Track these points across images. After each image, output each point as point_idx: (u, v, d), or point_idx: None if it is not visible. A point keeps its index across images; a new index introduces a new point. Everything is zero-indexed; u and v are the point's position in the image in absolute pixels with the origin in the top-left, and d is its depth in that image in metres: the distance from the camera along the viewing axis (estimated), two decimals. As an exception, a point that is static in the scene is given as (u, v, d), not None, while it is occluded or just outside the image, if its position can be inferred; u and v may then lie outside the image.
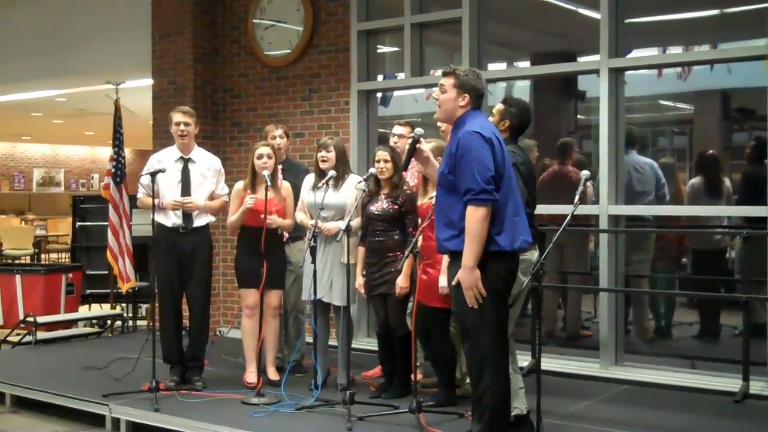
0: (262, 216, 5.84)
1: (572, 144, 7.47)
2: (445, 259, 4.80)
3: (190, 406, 5.69)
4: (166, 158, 6.27)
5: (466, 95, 4.34)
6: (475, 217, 4.12)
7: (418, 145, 4.67)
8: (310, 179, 6.21)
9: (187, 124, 6.24)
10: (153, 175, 5.98)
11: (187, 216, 6.20)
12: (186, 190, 6.20)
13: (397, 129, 6.34)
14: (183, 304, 6.40)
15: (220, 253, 8.88)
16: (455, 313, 4.36)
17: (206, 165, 6.33)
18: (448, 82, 4.37)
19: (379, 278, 5.79)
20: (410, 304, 5.77)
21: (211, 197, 6.31)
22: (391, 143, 6.22)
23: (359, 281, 5.97)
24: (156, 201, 6.06)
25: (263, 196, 5.89)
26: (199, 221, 6.24)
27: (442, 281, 5.21)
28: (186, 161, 6.26)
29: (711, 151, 7.13)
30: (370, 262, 5.85)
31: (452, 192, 4.26)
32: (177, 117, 6.26)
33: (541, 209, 6.92)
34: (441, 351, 5.64)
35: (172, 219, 6.19)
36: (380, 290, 5.82)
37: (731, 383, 6.04)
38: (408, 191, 5.79)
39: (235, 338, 7.51)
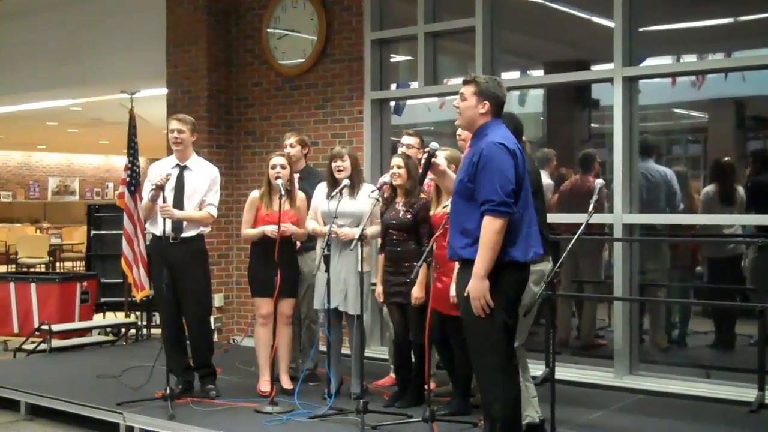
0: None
1: (595, 155, 7.44)
2: (457, 267, 4.80)
3: (204, 415, 5.69)
4: (165, 166, 6.25)
5: (486, 102, 4.33)
6: (491, 228, 4.11)
7: (433, 159, 4.67)
8: (322, 188, 6.21)
9: (180, 131, 6.18)
10: (161, 188, 5.97)
11: (177, 225, 6.14)
12: (179, 197, 6.16)
13: (406, 139, 6.35)
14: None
15: (233, 261, 8.92)
16: (464, 321, 4.35)
17: (202, 173, 6.27)
18: (468, 90, 4.37)
19: (396, 287, 5.79)
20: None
21: (201, 205, 6.24)
22: (399, 152, 6.23)
23: (378, 290, 5.97)
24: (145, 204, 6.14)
25: (278, 206, 5.90)
26: (188, 231, 6.16)
27: (453, 290, 5.20)
28: (182, 169, 6.23)
29: (725, 159, 7.10)
30: (388, 270, 5.86)
31: (470, 200, 4.25)
32: (171, 124, 6.24)
33: (560, 218, 6.93)
34: (459, 360, 5.63)
35: (160, 228, 6.11)
36: (397, 299, 5.81)
37: (746, 393, 6.01)
38: (423, 200, 5.79)
39: (248, 347, 7.52)
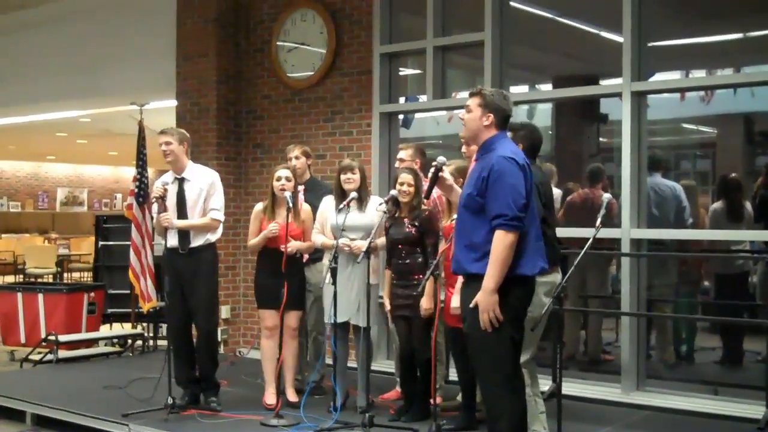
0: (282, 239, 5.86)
1: (603, 170, 7.43)
2: (460, 280, 4.79)
3: (210, 428, 5.68)
4: (167, 181, 6.25)
5: (491, 115, 4.34)
6: (503, 242, 4.10)
7: (440, 174, 4.67)
8: (329, 201, 6.20)
9: (168, 143, 6.14)
10: (162, 198, 6.02)
11: (183, 237, 6.13)
12: (182, 210, 6.16)
13: (401, 153, 6.36)
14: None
15: (240, 273, 8.92)
16: (469, 336, 4.33)
17: (200, 181, 6.24)
18: (474, 102, 4.38)
19: (404, 300, 5.77)
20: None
21: (204, 212, 6.22)
22: (396, 166, 6.24)
23: (386, 302, 5.95)
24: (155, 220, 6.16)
25: (283, 219, 5.90)
26: (196, 241, 6.15)
27: (455, 302, 5.19)
28: (181, 181, 6.22)
29: (733, 175, 7.08)
30: (396, 284, 5.84)
31: (478, 214, 4.24)
32: (159, 139, 6.20)
33: (567, 232, 6.91)
34: (461, 372, 5.62)
35: (170, 240, 6.14)
36: (404, 312, 5.79)
37: (754, 410, 5.96)
38: (426, 212, 5.78)
39: (254, 359, 7.51)
